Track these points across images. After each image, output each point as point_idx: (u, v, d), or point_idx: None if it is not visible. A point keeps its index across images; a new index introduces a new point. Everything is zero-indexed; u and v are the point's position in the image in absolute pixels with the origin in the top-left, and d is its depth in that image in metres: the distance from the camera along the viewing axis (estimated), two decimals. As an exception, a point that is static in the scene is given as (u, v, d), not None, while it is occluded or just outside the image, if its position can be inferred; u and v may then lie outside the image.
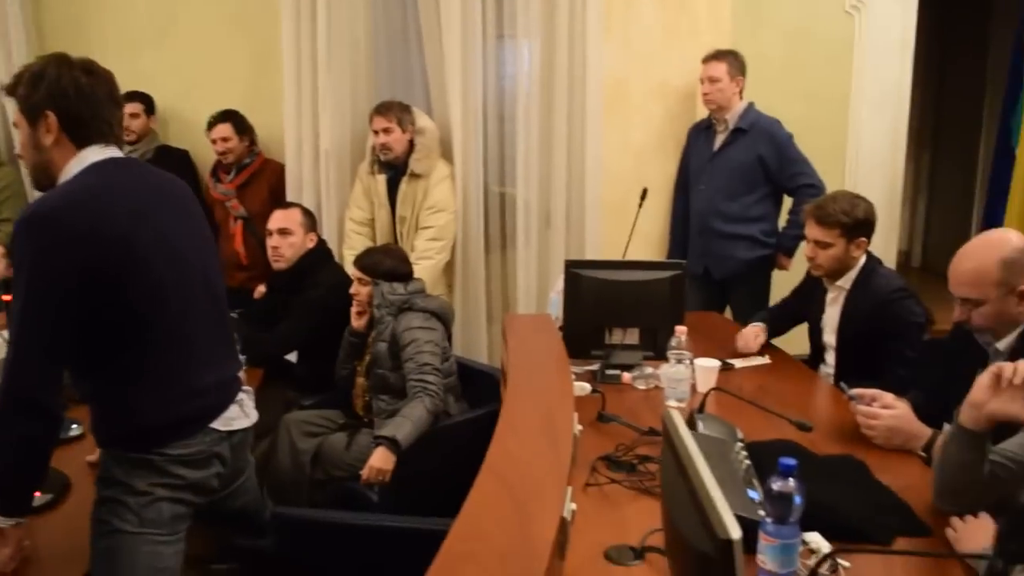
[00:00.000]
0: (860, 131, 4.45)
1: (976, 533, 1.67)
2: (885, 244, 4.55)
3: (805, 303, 3.02)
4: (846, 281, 2.81)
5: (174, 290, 1.84)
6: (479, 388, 3.14)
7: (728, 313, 3.95)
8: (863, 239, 2.77)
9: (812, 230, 2.79)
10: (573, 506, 1.58)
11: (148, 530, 1.81)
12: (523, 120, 4.06)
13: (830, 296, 2.90)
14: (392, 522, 2.33)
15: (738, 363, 2.84)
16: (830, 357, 2.89)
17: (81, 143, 1.81)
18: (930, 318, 5.45)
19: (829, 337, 2.89)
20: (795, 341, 3.17)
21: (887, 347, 2.68)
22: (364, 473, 2.68)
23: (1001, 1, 6.11)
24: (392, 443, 2.66)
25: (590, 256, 4.08)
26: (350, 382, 3.21)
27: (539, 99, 4.06)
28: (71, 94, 1.79)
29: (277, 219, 3.40)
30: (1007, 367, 1.67)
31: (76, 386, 1.90)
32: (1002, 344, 2.12)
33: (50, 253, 1.68)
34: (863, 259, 2.81)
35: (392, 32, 4.20)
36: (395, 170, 3.91)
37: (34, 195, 4.14)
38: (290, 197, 4.16)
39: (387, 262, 3.09)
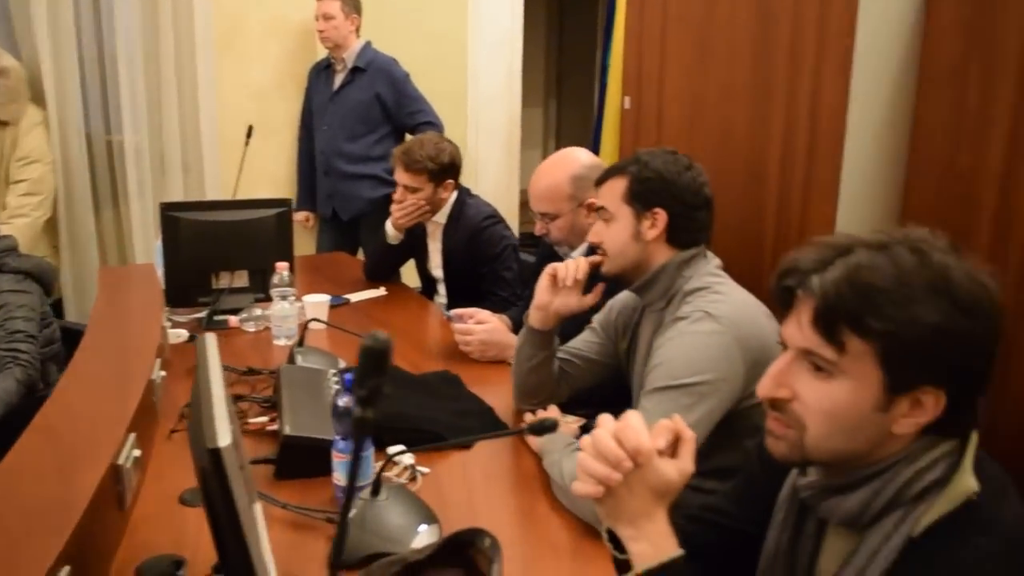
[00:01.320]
0: (478, 73, 4.61)
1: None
2: (508, 180, 4.83)
3: (408, 242, 3.07)
4: (441, 216, 2.91)
5: None
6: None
7: (360, 254, 3.96)
8: (450, 181, 2.86)
9: (400, 175, 2.83)
10: (137, 452, 1.47)
11: None
12: (126, 60, 3.76)
13: (429, 231, 2.99)
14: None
15: (354, 297, 2.85)
16: (441, 288, 3.00)
17: None
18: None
19: (436, 271, 3.00)
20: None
21: (484, 271, 2.83)
22: (-60, 459, 2.35)
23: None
24: (-27, 420, 2.36)
25: (212, 201, 3.89)
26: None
27: (143, 36, 3.77)
28: None
29: None
30: (560, 267, 1.82)
31: None
32: (576, 253, 2.32)
33: None
34: (455, 195, 2.91)
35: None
36: (-27, 117, 3.43)
37: None
38: None
39: None
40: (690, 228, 1.71)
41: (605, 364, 1.95)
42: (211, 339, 1.24)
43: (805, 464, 1.03)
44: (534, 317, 1.88)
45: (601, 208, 1.76)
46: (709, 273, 1.70)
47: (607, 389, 1.99)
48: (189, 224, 2.54)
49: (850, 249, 0.95)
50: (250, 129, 3.68)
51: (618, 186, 1.72)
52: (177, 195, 3.87)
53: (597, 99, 5.41)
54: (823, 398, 0.96)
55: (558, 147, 7.96)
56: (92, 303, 3.71)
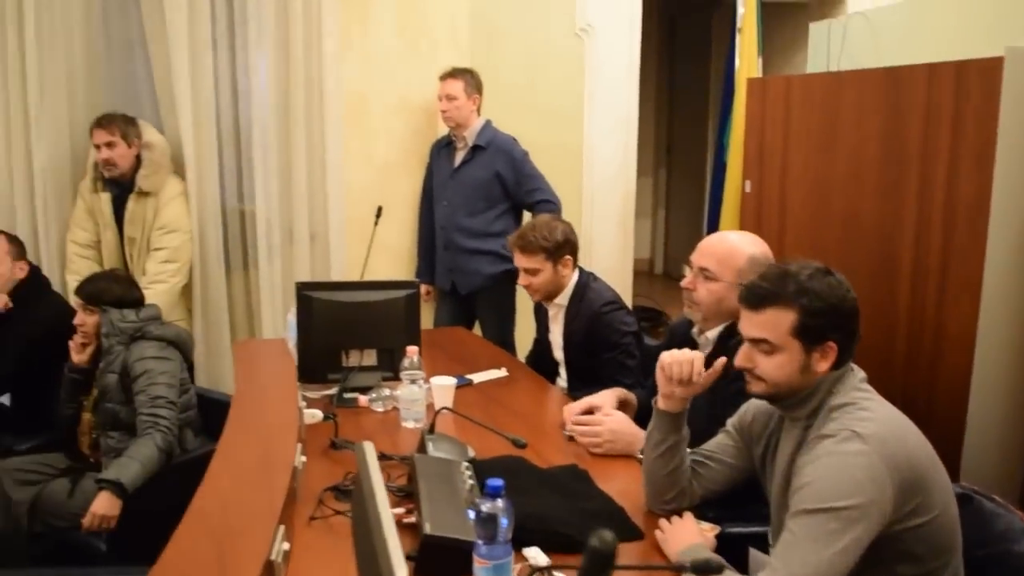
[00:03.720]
0: (594, 149, 4.67)
1: (681, 534, 1.79)
2: (622, 254, 4.84)
3: (539, 324, 3.14)
4: (563, 299, 2.94)
5: None
6: (221, 420, 2.98)
7: (477, 328, 4.03)
8: (568, 258, 2.90)
9: (519, 259, 2.90)
10: (286, 546, 1.53)
11: None
12: (260, 134, 3.94)
13: (551, 314, 3.03)
14: (121, 573, 2.17)
15: (476, 378, 2.89)
16: (563, 371, 3.02)
17: None
18: (667, 320, 5.87)
19: (558, 353, 3.02)
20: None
21: (606, 358, 2.82)
22: (85, 521, 2.49)
23: (719, 29, 6.69)
24: (116, 487, 2.48)
25: (337, 273, 4.03)
26: (75, 419, 2.95)
27: (276, 112, 3.95)
28: None
29: None
30: (672, 365, 1.84)
31: None
32: (711, 333, 2.29)
33: None
34: (576, 276, 2.94)
35: (113, 40, 3.92)
36: (121, 187, 3.65)
37: None
38: (0, 219, 3.77)
39: (114, 289, 2.88)
40: (850, 349, 1.68)
41: (739, 468, 1.92)
42: (370, 450, 1.28)
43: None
44: (661, 400, 1.88)
45: (763, 340, 1.69)
46: (855, 388, 1.66)
47: (740, 493, 1.96)
48: (322, 303, 2.64)
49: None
50: (379, 210, 3.82)
51: (784, 319, 1.65)
52: (304, 264, 4.02)
53: (711, 176, 5.41)
54: None
55: (668, 216, 8.06)
56: (222, 368, 3.93)
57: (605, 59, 4.63)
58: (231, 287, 4.02)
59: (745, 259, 2.22)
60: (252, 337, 4.05)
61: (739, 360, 1.73)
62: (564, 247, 2.88)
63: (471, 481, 1.89)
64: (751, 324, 1.70)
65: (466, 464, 1.97)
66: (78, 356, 2.90)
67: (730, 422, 1.96)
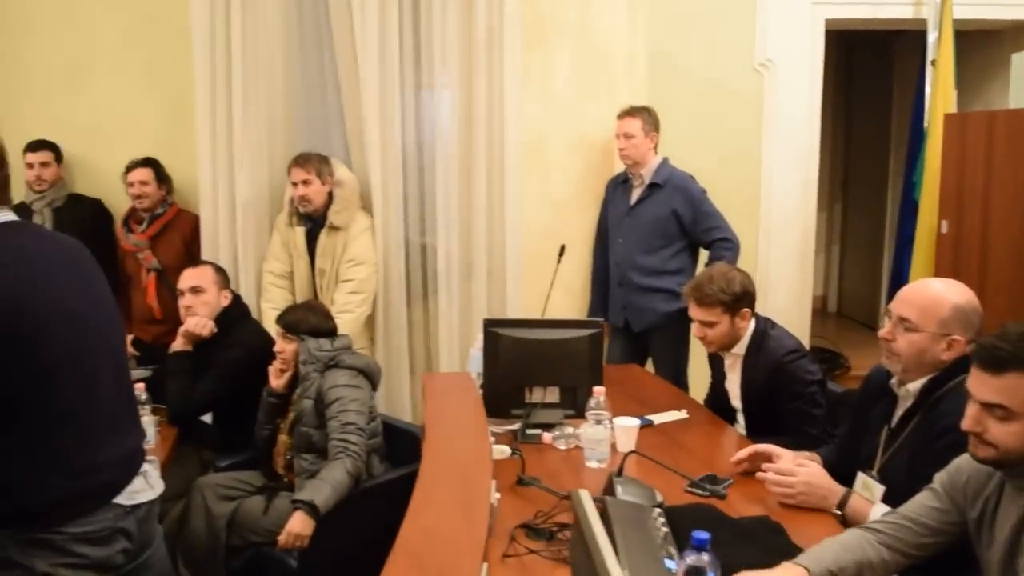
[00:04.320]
0: (772, 185, 4.57)
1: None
2: (800, 293, 4.70)
3: (714, 371, 3.06)
4: (740, 348, 2.84)
5: (75, 362, 1.76)
6: (402, 447, 3.09)
7: (649, 365, 3.99)
8: (746, 310, 2.80)
9: (695, 311, 2.81)
10: (489, 584, 1.56)
11: None
12: (443, 170, 4.08)
13: (728, 363, 2.94)
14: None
15: (657, 419, 2.86)
16: (741, 418, 2.94)
17: None
18: (845, 363, 5.62)
19: (735, 402, 2.94)
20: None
21: (790, 408, 2.71)
22: (281, 539, 2.61)
23: (903, 61, 6.41)
24: (311, 508, 2.60)
25: (512, 308, 4.09)
26: (271, 441, 3.13)
27: (458, 150, 4.08)
28: None
29: (188, 277, 3.31)
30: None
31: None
32: (912, 386, 2.15)
33: None
34: (753, 324, 2.84)
35: (310, 82, 4.19)
36: (314, 222, 3.88)
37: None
38: (205, 249, 4.08)
39: (311, 319, 3.05)
40: None
41: (945, 532, 1.79)
42: (587, 498, 1.29)
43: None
44: None
45: (1000, 406, 1.59)
46: None
47: (947, 557, 1.84)
48: (508, 340, 2.70)
49: None
50: (562, 248, 3.86)
51: None
52: (480, 298, 4.11)
53: (898, 214, 5.16)
54: None
55: (844, 252, 7.73)
56: (402, 397, 4.07)
57: (785, 93, 4.54)
58: (411, 318, 4.16)
59: (949, 309, 2.09)
60: (429, 367, 4.17)
61: (968, 424, 1.63)
62: (742, 299, 2.78)
63: (664, 529, 1.87)
64: (988, 388, 1.60)
65: (658, 511, 1.95)
66: (276, 381, 3.08)
67: (938, 480, 1.84)
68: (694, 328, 2.88)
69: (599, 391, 2.44)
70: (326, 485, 2.66)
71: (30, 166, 4.09)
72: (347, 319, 3.75)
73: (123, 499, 1.86)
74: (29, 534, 1.73)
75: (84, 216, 4.18)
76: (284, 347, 3.05)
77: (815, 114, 4.60)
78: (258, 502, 2.95)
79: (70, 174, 4.36)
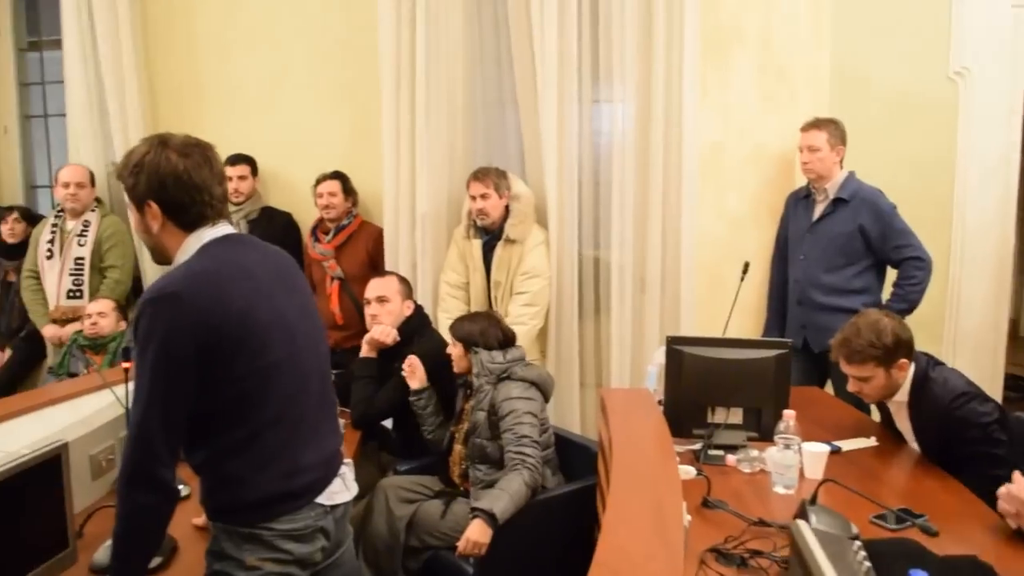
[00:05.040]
0: (966, 200, 4.31)
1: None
2: (995, 316, 4.40)
3: (882, 413, 2.91)
4: (902, 395, 2.67)
5: (288, 367, 1.88)
6: (576, 460, 3.11)
7: (828, 387, 3.84)
8: (903, 360, 2.61)
9: (846, 368, 2.65)
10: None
11: None
12: (618, 184, 4.05)
13: (892, 410, 2.78)
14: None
15: (845, 445, 2.75)
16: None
17: (188, 227, 1.85)
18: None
19: (912, 445, 2.76)
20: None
21: (968, 453, 2.51)
22: (460, 545, 2.68)
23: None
24: (489, 517, 2.65)
25: (686, 323, 4.02)
26: (448, 449, 3.22)
27: (634, 163, 4.04)
28: (169, 184, 1.80)
29: (375, 287, 3.46)
30: None
31: (187, 458, 1.94)
32: None
33: (177, 331, 1.72)
34: (912, 368, 2.64)
35: (489, 98, 4.29)
36: (491, 235, 3.97)
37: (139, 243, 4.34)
38: (387, 259, 4.25)
39: (488, 330, 3.12)
40: None
41: None
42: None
43: None
44: None
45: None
46: None
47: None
48: (692, 358, 2.66)
49: None
50: (746, 265, 3.76)
51: None
52: (653, 313, 4.06)
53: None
54: None
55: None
56: (572, 409, 4.08)
57: (982, 102, 4.28)
58: (583, 332, 4.17)
59: None
60: (600, 382, 4.17)
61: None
62: (897, 350, 2.59)
63: (866, 563, 1.79)
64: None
65: (857, 543, 1.87)
66: (412, 383, 3.25)
67: None
68: (850, 384, 2.71)
69: (789, 415, 2.37)
70: (505, 495, 2.71)
71: (229, 179, 4.38)
72: (520, 331, 3.78)
73: (324, 499, 1.96)
74: (242, 528, 1.85)
75: (276, 229, 4.43)
76: (453, 351, 3.17)
77: (1016, 123, 4.30)
78: (436, 506, 3.04)
79: (264, 188, 4.66)
